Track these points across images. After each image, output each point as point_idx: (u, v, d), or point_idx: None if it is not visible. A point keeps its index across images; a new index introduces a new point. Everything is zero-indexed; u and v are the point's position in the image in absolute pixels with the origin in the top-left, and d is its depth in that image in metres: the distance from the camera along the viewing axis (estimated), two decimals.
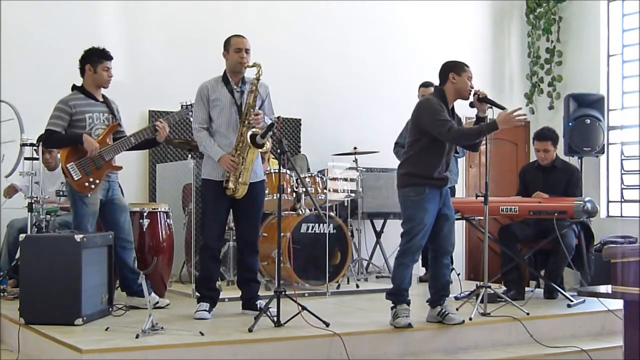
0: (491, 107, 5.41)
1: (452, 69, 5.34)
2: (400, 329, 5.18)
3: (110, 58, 5.85)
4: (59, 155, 6.15)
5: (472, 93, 5.35)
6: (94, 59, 5.80)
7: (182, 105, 6.07)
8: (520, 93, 10.52)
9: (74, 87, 5.85)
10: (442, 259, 5.39)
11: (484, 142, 5.55)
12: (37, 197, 6.31)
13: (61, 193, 6.47)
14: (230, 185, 5.51)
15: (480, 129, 5.24)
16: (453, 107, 5.40)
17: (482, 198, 5.81)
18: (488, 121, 5.33)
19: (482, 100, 5.35)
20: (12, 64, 7.40)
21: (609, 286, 4.02)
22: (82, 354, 4.34)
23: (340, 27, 9.28)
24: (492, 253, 7.30)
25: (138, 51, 8.15)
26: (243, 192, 5.55)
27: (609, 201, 9.86)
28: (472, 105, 5.42)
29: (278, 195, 5.41)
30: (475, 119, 5.43)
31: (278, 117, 7.59)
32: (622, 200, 9.76)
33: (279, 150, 5.50)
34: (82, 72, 5.84)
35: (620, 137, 9.82)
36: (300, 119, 8.99)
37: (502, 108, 5.34)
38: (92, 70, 5.80)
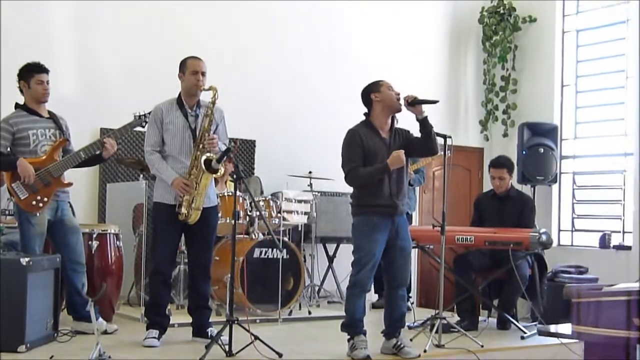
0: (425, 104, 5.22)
1: (371, 90, 5.28)
2: None
3: (43, 71, 5.66)
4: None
5: (402, 99, 5.21)
6: (26, 75, 5.64)
7: (135, 116, 5.87)
8: (475, 120, 10.57)
9: (17, 106, 5.68)
10: (397, 290, 5.32)
11: (440, 169, 5.49)
12: None
13: (7, 212, 6.26)
14: (183, 210, 5.39)
15: (372, 171, 5.11)
16: (393, 126, 5.29)
17: (439, 228, 5.78)
18: (426, 123, 5.19)
19: (413, 104, 5.19)
20: None
21: (569, 325, 4.00)
22: None
23: (295, 50, 9.18)
24: (446, 281, 7.25)
25: (90, 66, 7.93)
26: (196, 217, 5.43)
27: (560, 230, 9.93)
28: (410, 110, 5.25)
29: (233, 220, 5.29)
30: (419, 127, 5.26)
31: (235, 142, 7.45)
32: (574, 229, 9.84)
33: (235, 176, 5.40)
34: (21, 90, 5.69)
35: (572, 166, 9.92)
36: (254, 140, 8.89)
37: (434, 102, 5.27)
38: (27, 85, 5.63)
